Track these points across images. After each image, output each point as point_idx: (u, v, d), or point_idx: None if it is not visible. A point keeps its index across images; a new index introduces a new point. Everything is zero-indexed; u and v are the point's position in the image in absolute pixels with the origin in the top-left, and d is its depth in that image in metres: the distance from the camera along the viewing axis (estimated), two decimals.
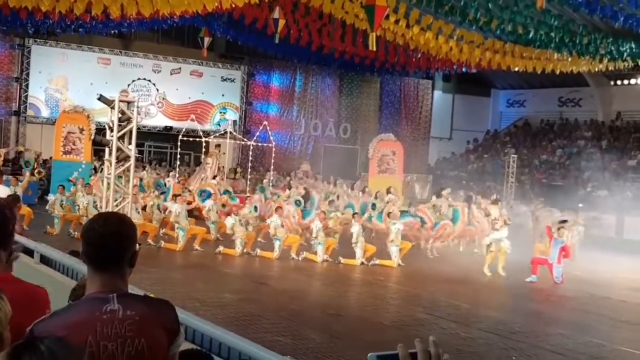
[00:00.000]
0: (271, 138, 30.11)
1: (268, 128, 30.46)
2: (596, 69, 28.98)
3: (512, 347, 11.27)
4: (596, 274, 19.56)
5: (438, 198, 21.38)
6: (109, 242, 2.68)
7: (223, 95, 37.21)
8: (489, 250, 17.95)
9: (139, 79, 34.92)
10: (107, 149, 15.55)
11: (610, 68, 28.45)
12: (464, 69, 31.52)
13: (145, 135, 32.25)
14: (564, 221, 19.68)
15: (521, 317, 13.59)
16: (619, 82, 37.43)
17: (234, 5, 21.35)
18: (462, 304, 14.46)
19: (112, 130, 14.81)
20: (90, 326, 2.56)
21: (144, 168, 27.98)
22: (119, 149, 14.89)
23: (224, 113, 36.99)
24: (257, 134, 30.44)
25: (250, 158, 29.56)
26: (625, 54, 25.48)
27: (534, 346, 11.39)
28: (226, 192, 23.00)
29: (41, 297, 3.05)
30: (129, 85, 32.82)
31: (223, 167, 28.83)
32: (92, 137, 25.53)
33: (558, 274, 17.58)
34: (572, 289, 16.97)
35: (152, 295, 5.69)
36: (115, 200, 15.18)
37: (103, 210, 15.59)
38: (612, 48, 24.93)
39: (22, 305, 2.69)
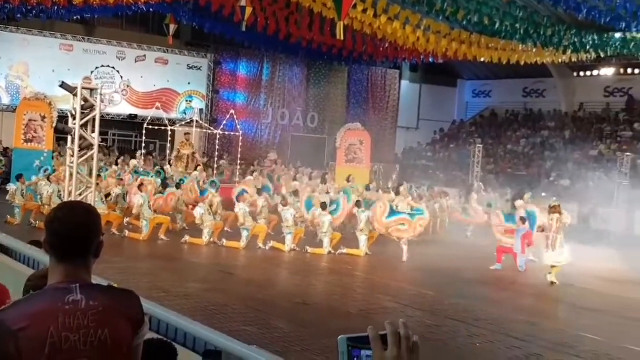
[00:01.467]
0: (238, 127, 30.01)
1: (235, 117, 30.34)
2: (560, 61, 29.23)
3: (476, 334, 11.40)
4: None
5: (397, 196, 21.03)
6: (74, 232, 2.62)
7: (189, 83, 36.89)
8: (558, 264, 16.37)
9: (102, 66, 34.40)
10: (69, 137, 15.34)
11: (574, 59, 28.72)
12: (431, 59, 31.65)
13: (109, 123, 31.89)
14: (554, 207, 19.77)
15: (485, 305, 13.72)
16: (582, 74, 37.82)
17: None
18: (428, 292, 14.56)
19: (74, 118, 14.61)
20: (52, 317, 2.50)
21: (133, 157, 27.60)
22: (81, 137, 14.70)
23: (190, 101, 36.70)
24: (224, 122, 30.30)
25: (217, 147, 29.42)
26: (588, 46, 25.73)
27: (497, 333, 11.52)
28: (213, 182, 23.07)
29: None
30: (92, 72, 32.31)
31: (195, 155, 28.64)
32: (54, 125, 25.10)
33: (522, 263, 17.78)
34: (536, 277, 17.14)
35: (116, 285, 5.63)
36: (79, 189, 15.00)
37: (65, 199, 15.42)
38: (576, 40, 25.15)
39: None
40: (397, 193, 21.54)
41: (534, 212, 19.24)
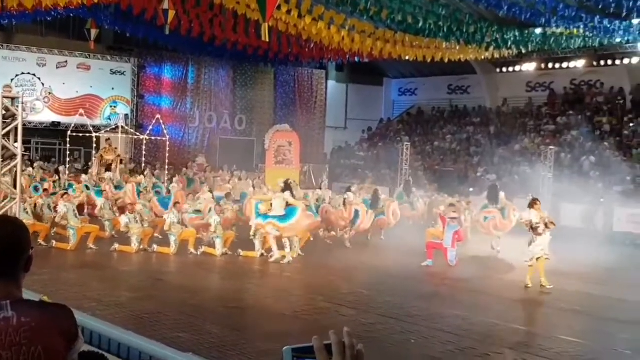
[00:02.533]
0: (165, 131, 29.70)
1: (161, 121, 30.03)
2: (483, 57, 29.75)
3: (410, 330, 11.52)
4: (489, 256, 20.17)
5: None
6: (2, 248, 2.60)
7: (113, 88, 36.32)
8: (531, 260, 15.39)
9: (22, 73, 33.64)
10: None
11: (496, 56, 29.26)
12: (356, 59, 31.84)
13: (32, 131, 31.20)
14: (453, 205, 20.26)
15: (418, 301, 13.87)
16: (504, 70, 38.45)
17: None
18: (362, 291, 14.66)
19: None
20: None
21: (142, 173, 27.10)
22: (4, 147, 14.39)
23: (115, 107, 36.15)
24: (150, 127, 30.00)
25: (144, 152, 29.10)
26: (509, 42, 26.23)
27: (431, 328, 11.67)
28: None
29: None
30: (12, 80, 31.55)
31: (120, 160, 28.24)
32: None
33: (452, 257, 18.05)
34: (466, 271, 17.42)
35: (47, 299, 5.54)
36: (2, 201, 14.64)
37: None
38: (497, 36, 25.61)
39: None
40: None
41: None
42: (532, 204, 15.68)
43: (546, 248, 15.35)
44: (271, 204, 17.88)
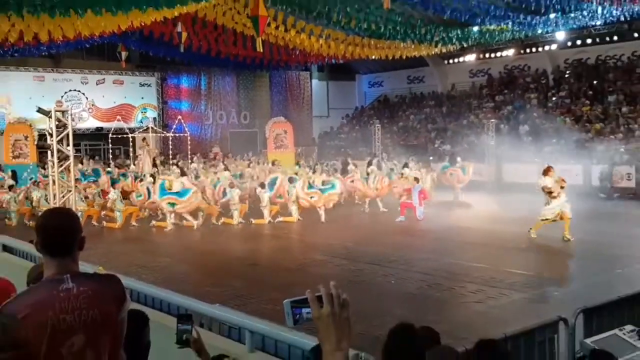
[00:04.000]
0: (186, 129, 29.52)
1: (182, 121, 29.85)
2: (433, 52, 29.59)
3: (390, 273, 11.57)
4: (449, 209, 20.23)
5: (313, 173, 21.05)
6: (60, 233, 2.60)
7: (142, 98, 36.09)
8: (545, 221, 14.25)
9: (70, 90, 33.38)
10: (49, 151, 15.00)
11: (444, 50, 29.09)
12: (333, 61, 31.66)
13: (81, 136, 30.93)
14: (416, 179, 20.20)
15: (396, 250, 13.91)
16: (451, 61, 38.34)
17: (143, 24, 20.64)
18: (350, 244, 14.69)
19: (51, 136, 14.26)
20: (50, 304, 2.48)
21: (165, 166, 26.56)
22: (59, 151, 14.37)
23: (145, 112, 35.90)
24: (174, 126, 29.86)
25: (171, 147, 29.02)
26: (453, 39, 26.09)
27: (407, 271, 11.72)
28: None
29: (2, 285, 2.92)
30: (62, 96, 31.24)
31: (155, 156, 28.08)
32: (36, 142, 25.00)
33: (420, 213, 18.10)
34: (432, 223, 17.48)
35: (101, 269, 5.52)
36: (61, 192, 14.60)
37: (51, 201, 15.01)
38: (444, 35, 25.47)
39: None
40: (314, 171, 21.63)
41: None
42: (547, 171, 14.25)
43: (566, 208, 13.96)
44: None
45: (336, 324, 1.85)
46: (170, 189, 17.60)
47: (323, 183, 18.99)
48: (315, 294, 1.87)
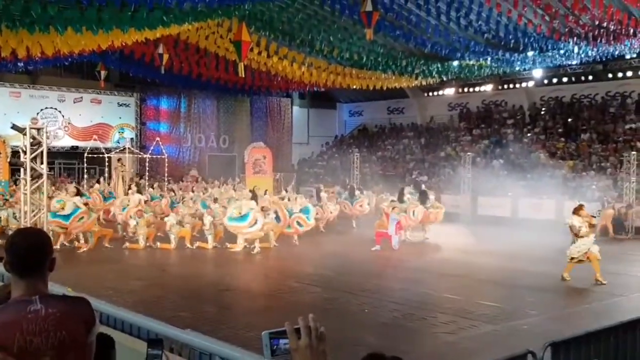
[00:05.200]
0: (163, 151, 29.42)
1: (160, 143, 29.77)
2: (413, 84, 29.94)
3: (363, 302, 11.54)
4: (424, 241, 20.29)
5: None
6: (30, 254, 2.56)
7: (120, 117, 35.86)
8: (573, 260, 13.37)
9: (46, 107, 33.07)
10: (22, 169, 14.80)
11: (424, 83, 29.48)
12: (314, 88, 31.88)
13: (55, 154, 30.60)
14: (393, 201, 20.34)
15: (370, 278, 13.89)
16: (430, 94, 38.80)
17: (124, 44, 20.63)
18: (325, 272, 14.64)
19: (25, 153, 14.09)
20: (17, 325, 2.44)
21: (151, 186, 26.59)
22: (32, 169, 14.18)
23: (122, 132, 35.68)
24: (152, 148, 29.70)
25: (147, 168, 28.82)
26: (433, 72, 26.47)
27: (380, 300, 11.70)
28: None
29: None
30: (37, 113, 30.89)
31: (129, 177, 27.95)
32: (9, 159, 24.67)
33: (395, 243, 18.13)
34: (407, 253, 17.52)
35: (71, 291, 5.44)
36: (32, 211, 14.38)
37: (21, 220, 14.78)
38: (424, 68, 25.81)
39: None
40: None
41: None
42: (577, 210, 13.57)
43: (594, 248, 13.23)
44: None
45: (313, 356, 1.87)
46: (62, 209, 17.07)
47: (301, 210, 18.99)
48: (293, 326, 1.89)
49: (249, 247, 17.72)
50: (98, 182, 26.61)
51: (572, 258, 13.34)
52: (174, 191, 25.66)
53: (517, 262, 15.86)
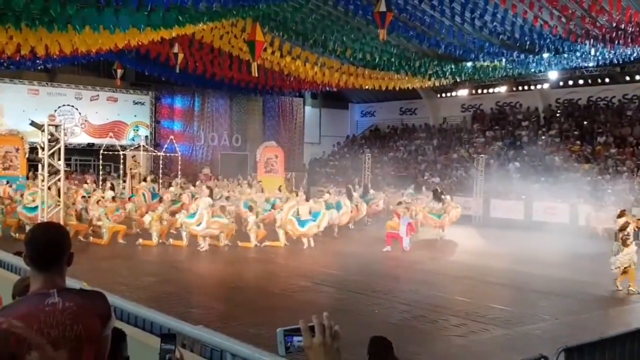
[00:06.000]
0: (177, 149, 29.57)
1: (174, 141, 29.93)
2: (426, 85, 29.88)
3: (374, 303, 11.56)
4: (435, 242, 20.27)
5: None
6: (49, 248, 2.61)
7: (135, 115, 36.07)
8: (618, 268, 12.92)
9: (63, 105, 33.33)
10: (39, 165, 14.98)
11: (437, 84, 29.40)
12: (327, 88, 31.89)
13: (72, 151, 30.84)
14: (400, 203, 20.32)
15: (380, 279, 13.92)
16: (444, 95, 38.63)
17: (140, 43, 20.78)
18: (335, 272, 14.68)
19: (43, 149, 14.26)
20: (35, 318, 2.49)
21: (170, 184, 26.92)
22: (50, 165, 14.34)
23: (137, 130, 35.89)
24: (165, 146, 29.91)
25: (161, 166, 28.99)
26: (447, 73, 26.39)
27: (390, 301, 11.71)
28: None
29: None
30: (55, 110, 31.16)
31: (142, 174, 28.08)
32: (27, 155, 24.97)
33: (406, 244, 18.11)
34: (417, 255, 17.50)
35: (86, 286, 5.51)
36: (49, 206, 14.55)
37: (39, 215, 14.92)
38: (437, 69, 25.75)
39: None
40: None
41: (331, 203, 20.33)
42: (621, 214, 13.46)
43: (635, 257, 12.87)
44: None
45: (327, 354, 1.89)
46: (33, 202, 17.67)
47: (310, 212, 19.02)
48: (307, 324, 1.91)
49: (260, 246, 17.81)
50: (123, 180, 26.80)
51: (617, 268, 12.89)
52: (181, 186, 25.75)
53: (530, 265, 15.79)
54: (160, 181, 27.73)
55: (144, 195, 22.88)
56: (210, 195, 19.83)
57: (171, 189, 24.88)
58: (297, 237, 18.28)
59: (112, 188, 20.82)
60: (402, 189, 25.99)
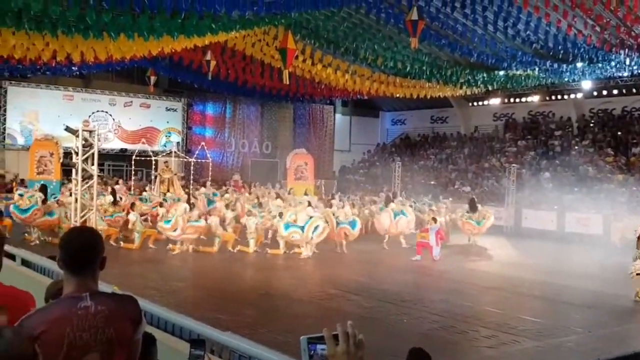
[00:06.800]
0: (208, 155, 29.81)
1: (205, 147, 30.16)
2: (458, 94, 29.72)
3: (403, 312, 11.46)
4: (464, 253, 20.07)
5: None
6: (83, 252, 2.64)
7: (168, 122, 36.56)
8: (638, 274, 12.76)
9: (98, 111, 33.93)
10: (73, 170, 15.20)
11: (468, 92, 29.23)
12: (357, 96, 31.89)
13: (105, 156, 31.32)
14: (432, 210, 20.19)
15: (409, 289, 13.82)
16: (475, 103, 38.38)
17: (173, 50, 21.06)
18: (364, 280, 14.61)
19: (77, 154, 14.48)
20: (68, 320, 2.52)
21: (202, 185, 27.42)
22: (83, 170, 14.56)
23: (169, 136, 36.35)
24: (197, 152, 30.19)
25: (192, 172, 29.23)
26: (479, 82, 26.22)
27: (419, 311, 11.60)
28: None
29: (25, 299, 2.96)
30: (89, 116, 31.65)
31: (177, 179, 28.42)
32: (61, 160, 25.36)
33: (436, 253, 17.97)
34: (447, 264, 17.35)
35: (118, 289, 5.56)
36: (82, 211, 14.76)
37: (72, 219, 15.14)
38: (469, 77, 25.60)
39: (10, 307, 2.64)
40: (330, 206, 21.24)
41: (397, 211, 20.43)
42: None
43: None
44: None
45: None
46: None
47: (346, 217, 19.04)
48: (332, 332, 1.90)
49: (288, 253, 17.85)
50: (117, 183, 27.09)
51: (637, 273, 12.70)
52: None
53: (562, 277, 15.54)
54: (191, 187, 27.95)
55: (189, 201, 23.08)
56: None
57: (202, 189, 25.21)
58: (291, 244, 18.05)
59: (113, 193, 20.92)
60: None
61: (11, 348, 2.36)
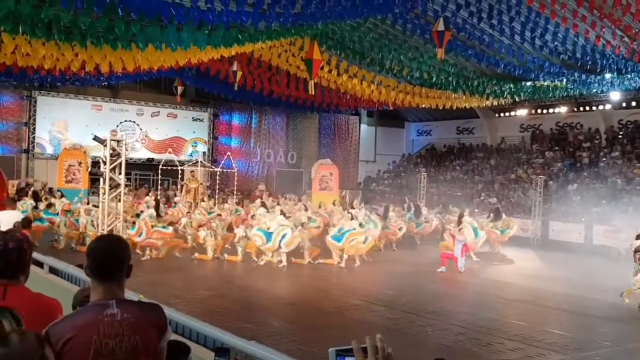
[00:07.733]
0: (234, 165, 29.99)
1: (231, 157, 30.35)
2: (484, 105, 29.56)
3: (427, 324, 11.38)
4: (490, 263, 19.88)
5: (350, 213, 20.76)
6: (110, 260, 2.67)
7: (194, 132, 36.88)
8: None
9: (125, 120, 34.38)
10: (101, 179, 15.38)
11: (495, 103, 29.04)
12: (383, 107, 31.88)
13: (132, 166, 31.65)
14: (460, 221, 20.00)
15: (434, 300, 13.72)
16: (502, 114, 38.12)
17: (200, 61, 21.27)
18: (388, 291, 14.53)
19: (105, 163, 14.66)
20: (94, 327, 2.54)
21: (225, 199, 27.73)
22: (111, 179, 14.73)
23: (196, 146, 36.65)
24: (222, 162, 30.38)
25: (218, 181, 29.41)
26: (505, 93, 26.07)
27: (444, 322, 11.51)
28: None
29: (52, 306, 3.00)
30: (117, 126, 32.13)
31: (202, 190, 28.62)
32: (89, 169, 25.69)
33: (461, 265, 17.82)
34: (473, 276, 17.20)
35: (143, 298, 5.61)
36: (110, 219, 14.92)
37: (99, 227, 15.31)
38: (496, 88, 25.47)
39: (37, 314, 2.68)
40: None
41: (475, 226, 19.68)
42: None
43: None
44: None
45: None
46: None
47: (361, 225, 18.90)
48: (360, 345, 1.89)
49: (313, 263, 17.84)
50: (148, 193, 27.35)
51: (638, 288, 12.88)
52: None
53: (589, 290, 15.31)
54: (217, 197, 28.13)
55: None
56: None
57: (226, 205, 25.18)
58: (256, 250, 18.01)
59: (157, 206, 21.14)
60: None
61: (47, 355, 2.36)
